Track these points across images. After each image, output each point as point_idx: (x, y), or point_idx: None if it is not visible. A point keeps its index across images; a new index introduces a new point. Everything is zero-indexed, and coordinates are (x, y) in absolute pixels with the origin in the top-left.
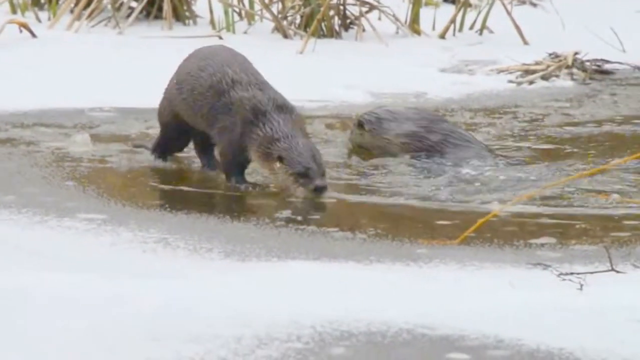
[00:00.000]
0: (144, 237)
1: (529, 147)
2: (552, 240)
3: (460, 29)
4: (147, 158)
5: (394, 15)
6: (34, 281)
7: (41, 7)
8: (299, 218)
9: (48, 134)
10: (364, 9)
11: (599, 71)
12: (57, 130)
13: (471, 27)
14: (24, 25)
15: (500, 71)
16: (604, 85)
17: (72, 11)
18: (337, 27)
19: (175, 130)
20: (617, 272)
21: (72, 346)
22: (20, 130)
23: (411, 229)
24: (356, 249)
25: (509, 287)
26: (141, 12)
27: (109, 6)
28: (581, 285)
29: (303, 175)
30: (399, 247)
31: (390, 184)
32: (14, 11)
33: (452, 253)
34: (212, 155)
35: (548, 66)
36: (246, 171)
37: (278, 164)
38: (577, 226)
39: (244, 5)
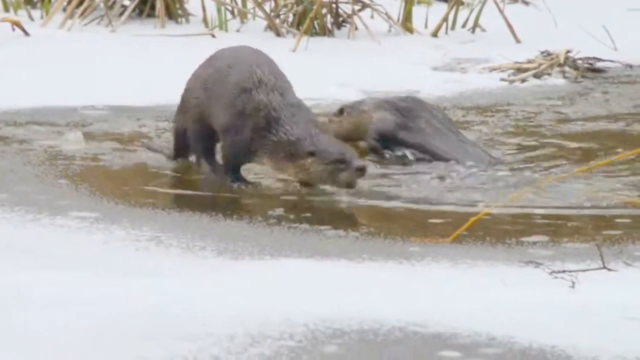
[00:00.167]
0: (136, 236)
1: (520, 145)
2: (544, 238)
3: (453, 27)
4: (139, 156)
5: (386, 14)
6: (26, 279)
7: (34, 6)
8: (292, 216)
9: (41, 132)
10: (357, 7)
11: (591, 69)
12: (50, 128)
13: (463, 26)
14: (16, 24)
15: (492, 69)
16: (596, 83)
17: (64, 9)
18: (329, 26)
19: (199, 133)
20: (609, 270)
21: (64, 344)
22: (13, 129)
23: (403, 227)
24: (349, 247)
25: (501, 285)
26: (134, 10)
27: (102, 4)
28: (573, 283)
29: (341, 161)
30: (391, 245)
31: (379, 185)
32: (6, 9)
33: (445, 251)
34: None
35: (540, 64)
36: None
37: (309, 160)
38: (569, 224)
39: (236, 3)
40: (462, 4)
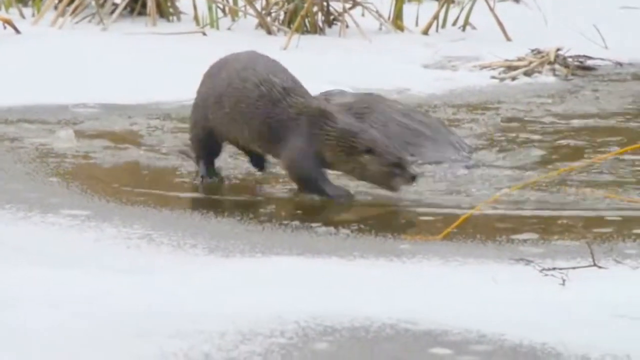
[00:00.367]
0: (128, 233)
1: (510, 142)
2: (535, 235)
3: (443, 25)
4: (130, 154)
5: (377, 12)
6: (17, 277)
7: (25, 4)
8: (283, 214)
9: (32, 130)
10: (348, 5)
11: (581, 67)
12: (41, 126)
13: (454, 24)
14: (7, 22)
15: (482, 67)
16: (586, 81)
17: (56, 7)
18: (320, 23)
19: (208, 144)
20: (599, 267)
21: (55, 341)
22: (4, 127)
23: (394, 224)
24: (340, 244)
25: (492, 282)
26: (125, 8)
27: (93, 2)
28: (563, 281)
29: (397, 165)
30: (382, 243)
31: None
32: None
33: (435, 249)
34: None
35: (530, 62)
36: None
37: (367, 157)
38: (560, 222)
39: (227, 1)
40: (453, 2)
